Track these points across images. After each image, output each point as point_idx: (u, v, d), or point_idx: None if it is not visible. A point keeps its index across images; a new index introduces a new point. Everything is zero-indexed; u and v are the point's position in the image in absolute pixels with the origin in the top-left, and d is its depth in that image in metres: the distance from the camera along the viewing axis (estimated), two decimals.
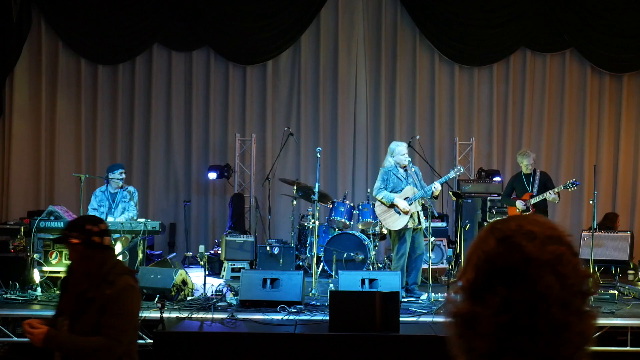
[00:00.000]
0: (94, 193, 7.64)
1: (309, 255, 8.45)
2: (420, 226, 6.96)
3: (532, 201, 7.54)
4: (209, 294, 6.35)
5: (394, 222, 6.90)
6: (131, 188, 7.64)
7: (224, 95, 10.59)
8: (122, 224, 7.05)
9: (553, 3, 10.34)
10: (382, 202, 6.97)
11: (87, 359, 2.90)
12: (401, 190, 6.96)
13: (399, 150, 7.00)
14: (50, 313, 5.85)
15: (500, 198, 8.89)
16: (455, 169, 7.12)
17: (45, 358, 5.98)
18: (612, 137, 10.65)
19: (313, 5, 10.40)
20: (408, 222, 6.84)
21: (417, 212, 6.92)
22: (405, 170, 6.99)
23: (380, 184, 7.03)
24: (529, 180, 7.73)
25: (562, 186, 7.50)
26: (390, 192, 6.95)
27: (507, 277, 1.13)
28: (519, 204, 7.60)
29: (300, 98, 10.55)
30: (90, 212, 7.42)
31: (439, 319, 5.66)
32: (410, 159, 7.09)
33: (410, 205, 6.86)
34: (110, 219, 7.32)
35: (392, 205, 6.89)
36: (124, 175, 7.51)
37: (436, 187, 6.87)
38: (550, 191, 7.48)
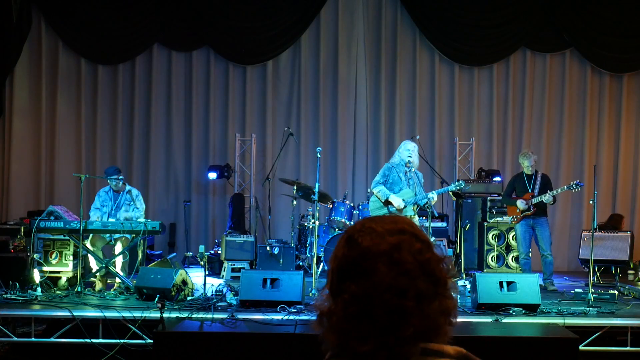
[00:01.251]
0: (97, 193, 7.65)
1: (309, 255, 8.45)
2: None
3: (534, 201, 7.54)
4: (209, 294, 6.35)
5: None
6: (134, 191, 7.61)
7: (224, 95, 10.59)
8: (122, 223, 7.04)
9: (553, 3, 10.34)
10: (377, 197, 6.99)
11: None
12: (399, 190, 6.96)
13: (405, 147, 7.01)
14: (50, 313, 5.87)
15: (500, 198, 8.90)
16: (457, 183, 7.10)
17: (45, 358, 5.99)
18: (612, 137, 10.64)
19: (313, 5, 10.40)
20: None
21: (410, 217, 6.90)
22: (409, 171, 6.98)
23: (380, 178, 7.04)
24: (530, 181, 7.73)
25: (565, 187, 7.49)
26: (387, 188, 6.96)
27: (351, 273, 1.22)
28: (520, 203, 7.59)
29: (300, 98, 10.55)
30: (92, 212, 7.43)
31: None
32: (416, 161, 7.06)
33: (404, 208, 6.86)
34: (112, 219, 7.32)
35: (387, 203, 6.89)
36: (121, 177, 7.49)
37: (432, 197, 6.85)
38: (549, 192, 7.47)
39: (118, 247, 7.22)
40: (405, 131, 10.46)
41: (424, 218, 7.10)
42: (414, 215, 6.98)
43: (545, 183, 7.74)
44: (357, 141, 10.60)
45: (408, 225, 1.27)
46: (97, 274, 7.13)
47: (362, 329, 1.19)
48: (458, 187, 7.11)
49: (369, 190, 8.13)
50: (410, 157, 6.95)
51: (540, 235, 7.63)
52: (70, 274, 7.19)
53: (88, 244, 7.15)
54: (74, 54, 10.42)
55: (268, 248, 8.29)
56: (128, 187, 7.61)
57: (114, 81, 10.50)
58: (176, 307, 5.88)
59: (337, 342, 1.23)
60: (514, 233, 8.46)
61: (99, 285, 7.09)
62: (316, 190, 7.12)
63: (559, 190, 7.53)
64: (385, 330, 1.19)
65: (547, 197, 7.46)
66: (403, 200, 6.86)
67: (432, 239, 7.30)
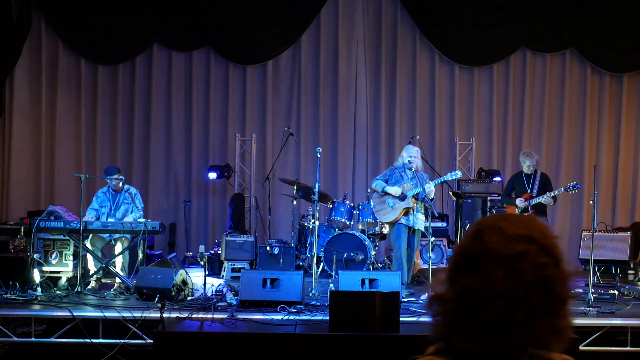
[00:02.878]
0: (95, 194, 7.63)
1: (309, 255, 8.45)
2: (415, 227, 6.99)
3: (532, 202, 7.53)
4: (209, 294, 6.35)
5: (386, 215, 7.12)
6: (133, 189, 7.62)
7: (224, 95, 10.58)
8: (122, 223, 7.05)
9: (553, 3, 10.34)
10: (376, 191, 7.10)
11: None
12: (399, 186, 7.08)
13: (409, 152, 7.18)
14: (50, 313, 5.86)
15: (500, 198, 8.89)
16: (452, 173, 7.15)
17: (45, 358, 5.99)
18: (612, 137, 10.64)
19: (313, 5, 10.40)
20: (400, 216, 6.91)
21: (412, 209, 6.95)
22: (412, 172, 7.03)
23: (380, 177, 7.29)
24: (529, 181, 7.72)
25: (562, 189, 7.49)
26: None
27: (470, 267, 1.22)
28: (519, 202, 7.58)
29: (300, 98, 10.55)
30: (89, 212, 7.40)
31: None
32: (419, 164, 7.12)
33: (403, 200, 6.92)
34: (111, 219, 7.31)
35: (385, 194, 7.01)
36: (121, 178, 7.48)
37: (428, 186, 6.90)
38: (547, 194, 7.46)
39: (118, 247, 7.22)
40: (405, 131, 10.46)
41: (425, 219, 7.09)
42: (419, 212, 7.01)
43: (545, 183, 7.73)
44: (357, 141, 10.60)
45: (540, 234, 1.25)
46: (96, 275, 7.13)
47: (468, 326, 1.19)
48: (454, 177, 7.14)
49: (369, 191, 8.16)
50: (412, 159, 7.02)
51: None
52: (70, 274, 7.19)
53: (88, 244, 7.15)
54: (74, 54, 10.41)
55: (268, 248, 8.29)
56: (127, 187, 7.61)
57: (114, 81, 10.49)
58: (176, 307, 5.89)
59: (442, 331, 1.24)
60: None
61: (92, 284, 7.08)
62: (316, 190, 7.12)
63: (557, 192, 7.51)
64: (489, 334, 1.18)
65: (545, 199, 7.45)
66: (402, 191, 6.97)
67: (432, 239, 7.30)
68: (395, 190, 6.99)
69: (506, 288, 1.18)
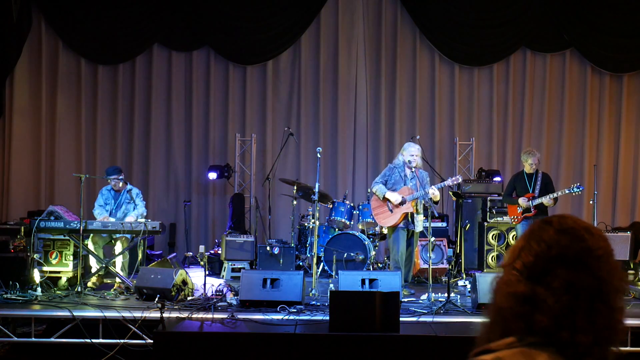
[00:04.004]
0: (100, 191, 7.72)
1: (309, 255, 8.45)
2: (413, 229, 6.96)
3: (534, 202, 7.51)
4: (209, 294, 6.35)
5: (386, 219, 7.02)
6: (134, 190, 7.62)
7: (224, 95, 10.58)
8: (122, 223, 7.05)
9: (553, 3, 10.34)
10: (376, 195, 7.05)
11: None
12: (399, 189, 7.00)
13: (409, 150, 7.04)
14: (50, 313, 5.86)
15: (501, 198, 8.89)
16: (454, 178, 7.12)
17: (45, 358, 5.99)
18: (612, 137, 10.64)
19: (313, 5, 10.40)
20: (400, 221, 6.87)
21: (411, 213, 6.91)
22: (412, 171, 6.99)
23: (379, 179, 7.14)
24: (530, 180, 7.70)
25: (566, 190, 7.46)
26: (389, 189, 7.01)
27: (567, 262, 1.28)
28: (522, 201, 7.56)
29: (300, 98, 10.55)
30: (97, 209, 7.51)
31: (439, 319, 5.66)
32: (420, 162, 7.07)
33: (403, 204, 6.88)
34: (112, 219, 7.32)
35: (385, 200, 6.95)
36: (121, 177, 7.49)
37: (432, 192, 6.83)
38: (550, 195, 7.44)
39: (118, 247, 7.22)
40: (405, 131, 10.46)
41: (425, 219, 7.08)
42: (418, 214, 6.98)
43: (546, 183, 7.71)
44: (357, 141, 10.60)
45: (605, 237, 1.35)
46: (96, 274, 7.14)
47: (580, 319, 1.24)
48: (455, 182, 7.12)
49: (369, 191, 8.15)
50: (412, 158, 6.97)
51: None
52: (70, 274, 7.19)
53: (89, 244, 7.16)
54: (74, 54, 10.41)
55: (268, 248, 8.29)
56: (129, 187, 7.62)
57: (114, 81, 10.49)
58: (176, 307, 5.88)
59: (550, 328, 1.26)
60: (514, 233, 8.46)
61: (92, 281, 7.08)
62: (316, 190, 7.12)
63: (559, 193, 7.48)
64: (606, 326, 1.25)
65: (547, 200, 7.43)
66: (402, 197, 6.90)
67: (432, 239, 7.29)
68: (395, 198, 6.91)
69: (613, 281, 1.28)
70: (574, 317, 1.24)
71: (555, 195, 7.46)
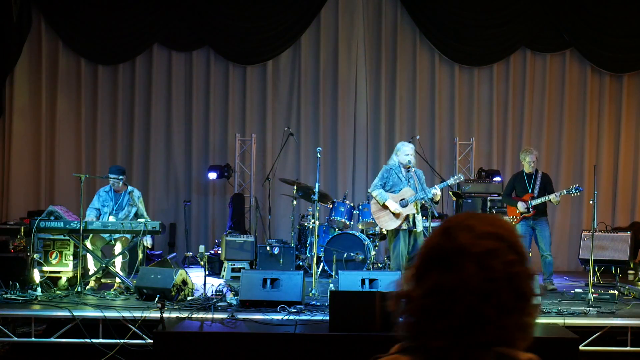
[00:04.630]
0: (97, 192, 7.60)
1: (309, 255, 8.45)
2: (415, 229, 6.92)
3: (533, 203, 7.51)
4: (209, 294, 6.35)
5: (387, 222, 6.91)
6: (136, 192, 7.57)
7: (224, 95, 10.58)
8: (122, 223, 7.04)
9: (553, 3, 10.34)
10: (376, 200, 6.98)
11: None
12: (399, 190, 6.93)
13: (404, 150, 6.98)
14: (50, 313, 5.86)
15: (500, 198, 8.88)
16: (456, 177, 7.09)
17: (45, 358, 5.99)
18: (612, 137, 10.64)
19: (313, 5, 10.40)
20: (402, 223, 6.82)
21: (413, 214, 6.88)
22: (408, 171, 6.96)
23: (378, 181, 7.02)
24: (530, 180, 7.69)
25: (565, 191, 7.46)
26: (388, 190, 6.93)
27: (440, 264, 1.22)
28: (520, 206, 7.57)
29: (300, 98, 10.55)
30: (90, 211, 7.37)
31: None
32: (414, 161, 7.05)
33: (405, 207, 6.83)
34: (112, 218, 7.30)
35: (384, 206, 6.87)
36: (121, 178, 7.46)
37: (436, 192, 6.82)
38: (556, 194, 7.42)
39: (118, 247, 7.21)
40: (405, 131, 10.46)
41: (425, 218, 7.07)
42: (418, 213, 6.95)
43: (546, 183, 7.71)
44: (357, 141, 10.60)
45: (507, 232, 1.26)
46: (96, 275, 7.13)
47: (438, 323, 1.19)
48: (457, 180, 7.09)
49: (368, 191, 8.13)
50: (408, 157, 6.94)
51: (540, 236, 7.61)
52: (70, 274, 7.19)
53: (88, 244, 7.15)
54: (74, 54, 10.41)
55: (268, 248, 8.29)
56: (130, 188, 7.58)
57: (114, 81, 10.49)
58: (176, 307, 5.88)
59: (409, 329, 1.23)
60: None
61: (91, 284, 7.07)
62: (316, 190, 7.11)
63: (559, 194, 7.47)
64: (461, 330, 1.19)
65: (556, 198, 7.40)
66: (402, 199, 6.85)
67: None
68: (395, 207, 6.80)
69: (478, 284, 1.19)
70: (433, 320, 1.19)
71: (553, 197, 7.44)
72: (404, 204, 6.84)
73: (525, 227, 7.64)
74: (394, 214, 6.84)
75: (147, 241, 7.49)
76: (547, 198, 7.44)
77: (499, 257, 1.21)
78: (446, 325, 1.19)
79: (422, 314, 1.21)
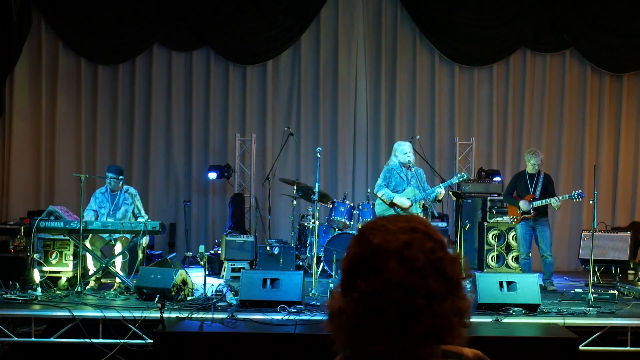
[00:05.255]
0: (93, 194, 7.56)
1: (309, 255, 8.45)
2: None
3: (535, 204, 7.50)
4: (209, 294, 6.34)
5: None
6: (132, 190, 7.58)
7: (224, 95, 10.59)
8: (122, 223, 7.04)
9: (553, 3, 10.34)
10: (382, 200, 6.97)
11: None
12: (402, 191, 6.94)
13: (402, 149, 6.99)
14: (50, 313, 5.86)
15: (501, 197, 8.89)
16: (459, 175, 7.10)
17: (45, 358, 5.99)
18: (612, 137, 10.64)
19: (313, 5, 10.40)
20: None
21: (417, 214, 6.87)
22: (409, 170, 6.96)
23: (382, 182, 7.03)
24: (532, 181, 7.67)
25: (567, 196, 7.45)
26: (391, 191, 6.94)
27: (362, 271, 1.21)
28: (523, 205, 7.56)
29: (300, 98, 10.55)
30: (87, 213, 7.32)
31: None
32: (413, 158, 7.05)
33: (410, 207, 6.84)
34: (110, 220, 7.30)
35: (392, 204, 6.87)
36: (121, 178, 7.45)
37: (440, 191, 6.82)
38: (556, 198, 7.41)
39: (118, 247, 7.21)
40: (405, 131, 10.46)
41: (425, 218, 7.07)
42: (421, 212, 6.95)
43: (547, 184, 7.69)
44: (357, 141, 10.60)
45: (421, 224, 1.26)
46: (96, 275, 7.13)
47: (373, 328, 1.18)
48: (461, 179, 7.09)
49: (369, 191, 8.14)
50: (407, 156, 6.94)
51: (540, 236, 7.61)
52: (70, 274, 7.19)
53: (87, 244, 7.15)
54: (74, 54, 10.42)
55: (268, 248, 8.29)
56: (125, 187, 7.56)
57: (114, 81, 10.50)
58: (176, 307, 5.88)
59: (347, 342, 1.22)
60: (514, 233, 8.45)
61: (91, 284, 7.06)
62: (316, 190, 7.11)
63: (560, 198, 7.46)
64: (396, 329, 1.17)
65: (557, 203, 7.39)
66: (408, 198, 6.86)
67: None
68: (403, 202, 6.83)
69: (402, 278, 1.18)
70: (365, 326, 1.18)
71: (561, 198, 7.43)
72: (410, 204, 6.86)
73: (525, 227, 7.64)
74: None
75: (144, 241, 7.46)
76: (548, 201, 7.43)
77: (417, 246, 1.21)
78: (381, 327, 1.17)
79: (356, 323, 1.19)
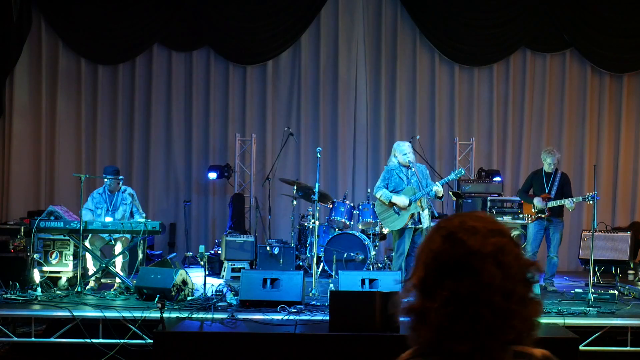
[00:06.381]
0: (91, 194, 7.54)
1: (309, 255, 8.45)
2: (421, 226, 6.88)
3: (550, 204, 7.48)
4: (209, 294, 6.35)
5: (393, 222, 6.89)
6: (130, 190, 7.58)
7: (224, 95, 10.59)
8: (121, 223, 7.03)
9: (553, 3, 10.34)
10: (381, 201, 6.96)
11: None
12: (401, 191, 6.92)
13: (401, 149, 6.97)
14: (50, 313, 5.86)
15: (501, 197, 8.88)
16: (456, 171, 7.07)
17: (45, 358, 5.99)
18: (612, 137, 10.64)
19: (313, 5, 10.40)
20: (408, 222, 6.81)
21: (418, 212, 6.86)
22: (409, 169, 6.95)
23: (381, 183, 7.01)
24: (548, 180, 7.66)
25: (580, 198, 7.44)
26: (390, 191, 6.92)
27: (453, 271, 1.21)
28: (537, 202, 7.54)
29: (300, 98, 10.55)
30: (85, 212, 7.26)
31: None
32: (413, 157, 7.03)
33: (409, 205, 6.81)
34: (108, 219, 7.30)
35: (391, 204, 6.86)
36: (121, 177, 7.44)
37: (437, 189, 6.80)
38: (570, 200, 7.39)
39: (118, 247, 7.21)
40: (405, 131, 10.46)
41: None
42: (424, 210, 6.88)
43: (564, 184, 7.66)
44: (357, 141, 10.60)
45: (504, 227, 1.29)
46: (96, 275, 7.13)
47: (462, 328, 1.20)
48: (459, 175, 7.06)
49: (369, 191, 8.13)
50: (407, 156, 6.92)
51: (551, 237, 7.62)
52: (70, 274, 7.19)
53: (87, 244, 7.14)
54: (74, 54, 10.41)
55: (268, 248, 8.29)
56: (123, 187, 7.56)
57: (114, 81, 10.50)
58: (176, 307, 5.89)
59: (432, 339, 1.23)
60: (514, 233, 8.45)
61: (91, 284, 7.06)
62: (316, 190, 7.11)
63: (574, 199, 7.44)
64: (489, 331, 1.20)
65: (571, 205, 7.39)
66: (406, 197, 6.84)
67: None
68: (402, 201, 6.81)
69: (500, 283, 1.20)
70: (455, 326, 1.20)
71: (574, 200, 7.42)
72: (409, 204, 6.83)
73: (538, 227, 7.62)
74: (398, 213, 6.83)
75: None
76: (562, 202, 7.42)
77: (509, 252, 1.23)
78: (473, 329, 1.19)
79: (446, 322, 1.21)
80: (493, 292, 1.19)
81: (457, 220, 1.28)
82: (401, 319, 1.30)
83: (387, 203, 6.88)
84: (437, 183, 6.87)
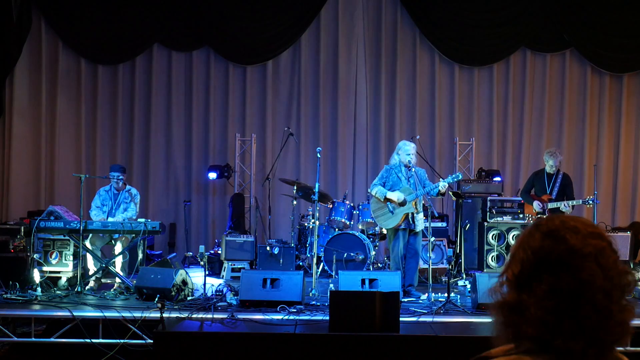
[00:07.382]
0: (98, 192, 7.64)
1: (309, 255, 8.45)
2: (414, 229, 6.88)
3: (549, 206, 7.49)
4: (209, 294, 6.35)
5: (386, 220, 6.92)
6: (133, 190, 7.60)
7: (224, 95, 10.59)
8: (121, 223, 7.04)
9: (553, 3, 10.34)
10: (377, 198, 6.98)
11: None
12: (399, 190, 6.93)
13: (405, 149, 6.98)
14: (50, 313, 5.86)
15: (501, 197, 8.88)
16: (453, 176, 7.03)
17: (45, 358, 5.99)
18: (612, 137, 10.65)
19: (313, 5, 10.40)
20: (402, 222, 6.81)
21: (412, 214, 6.85)
22: (409, 170, 6.95)
23: (377, 181, 7.05)
24: (550, 181, 7.67)
25: (580, 201, 7.46)
26: (388, 190, 6.93)
27: (552, 267, 1.25)
28: (535, 205, 7.56)
29: (300, 98, 10.55)
30: (94, 210, 7.41)
31: (439, 319, 5.66)
32: (415, 160, 7.03)
33: (403, 205, 6.81)
34: (111, 218, 7.31)
35: (386, 200, 6.88)
36: (121, 177, 7.46)
37: (444, 185, 6.77)
38: (566, 204, 7.40)
39: (118, 247, 7.22)
40: (405, 131, 10.46)
41: (425, 218, 7.06)
42: (418, 213, 6.90)
43: (565, 185, 7.68)
44: (357, 141, 10.60)
45: (603, 231, 1.32)
46: (96, 275, 7.13)
47: (570, 326, 1.22)
48: (455, 179, 7.05)
49: (368, 191, 8.11)
50: (409, 157, 6.93)
51: None
52: (70, 274, 7.19)
53: (87, 244, 7.15)
54: (74, 54, 10.42)
55: (268, 248, 8.29)
56: (128, 187, 7.60)
57: (114, 81, 10.50)
58: (176, 307, 5.88)
59: (535, 333, 1.24)
60: (514, 233, 8.46)
61: (91, 284, 7.06)
62: (316, 190, 7.12)
63: (572, 203, 7.45)
64: (596, 330, 1.22)
65: (563, 207, 7.40)
66: (403, 197, 6.84)
67: (432, 238, 7.27)
68: (397, 196, 6.86)
69: (601, 283, 1.23)
70: (561, 323, 1.22)
71: (572, 203, 7.43)
72: (403, 201, 6.83)
73: None
74: (392, 212, 6.83)
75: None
76: (559, 205, 7.42)
77: (607, 255, 1.27)
78: (578, 326, 1.22)
79: (547, 317, 1.23)
80: (595, 291, 1.22)
81: (558, 220, 1.32)
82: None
83: (382, 200, 6.89)
84: (443, 180, 6.84)
